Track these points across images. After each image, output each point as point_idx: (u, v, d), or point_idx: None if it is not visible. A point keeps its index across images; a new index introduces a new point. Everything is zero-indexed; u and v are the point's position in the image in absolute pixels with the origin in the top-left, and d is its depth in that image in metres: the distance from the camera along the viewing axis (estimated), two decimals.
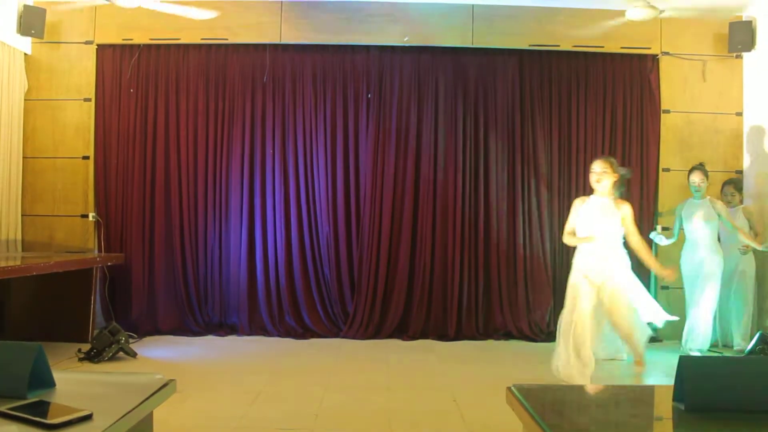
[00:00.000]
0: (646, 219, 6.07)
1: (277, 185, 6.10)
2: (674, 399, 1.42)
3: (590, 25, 6.08)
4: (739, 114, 6.13)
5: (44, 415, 1.25)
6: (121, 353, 4.94)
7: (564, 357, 4.22)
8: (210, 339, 5.88)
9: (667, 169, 6.14)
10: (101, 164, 6.06)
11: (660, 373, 4.60)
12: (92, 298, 5.55)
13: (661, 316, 4.66)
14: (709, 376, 1.38)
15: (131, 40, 6.05)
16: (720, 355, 5.16)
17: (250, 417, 3.60)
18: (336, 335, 5.97)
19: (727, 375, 1.40)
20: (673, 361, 1.47)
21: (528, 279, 6.12)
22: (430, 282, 6.10)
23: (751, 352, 5.12)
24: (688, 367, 1.40)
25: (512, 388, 1.53)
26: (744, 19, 6.01)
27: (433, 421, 3.60)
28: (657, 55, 6.16)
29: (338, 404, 3.86)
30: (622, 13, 5.94)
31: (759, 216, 5.63)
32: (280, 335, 5.96)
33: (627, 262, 4.44)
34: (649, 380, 4.44)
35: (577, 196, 6.10)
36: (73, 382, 1.57)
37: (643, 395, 1.68)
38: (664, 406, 1.46)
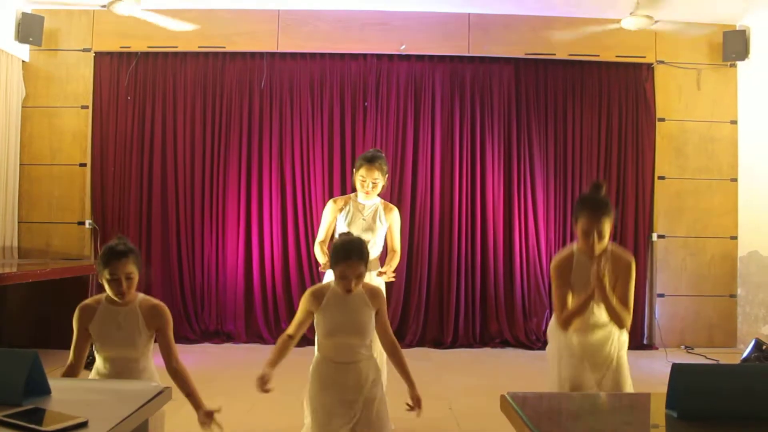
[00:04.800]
0: (641, 227, 6.09)
1: (274, 192, 6.10)
2: (667, 407, 1.43)
3: (586, 34, 6.10)
4: (734, 122, 6.16)
5: (40, 422, 1.26)
6: None
7: None
8: (206, 346, 5.85)
9: (662, 177, 6.15)
10: (98, 172, 6.06)
11: None
12: None
13: None
14: (702, 384, 1.39)
15: (129, 47, 6.06)
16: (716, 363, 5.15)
17: (246, 426, 3.59)
18: None
19: (720, 383, 1.40)
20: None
21: (524, 287, 6.12)
22: (427, 289, 6.09)
23: (747, 359, 5.10)
24: (681, 374, 1.40)
25: (507, 395, 1.53)
26: (738, 29, 6.05)
27: (429, 429, 3.59)
28: (652, 64, 6.20)
29: None
30: (617, 22, 5.97)
31: None
32: (276, 343, 5.93)
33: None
34: None
35: (572, 204, 6.16)
36: (69, 389, 1.57)
37: (637, 403, 1.69)
38: (658, 414, 1.47)
